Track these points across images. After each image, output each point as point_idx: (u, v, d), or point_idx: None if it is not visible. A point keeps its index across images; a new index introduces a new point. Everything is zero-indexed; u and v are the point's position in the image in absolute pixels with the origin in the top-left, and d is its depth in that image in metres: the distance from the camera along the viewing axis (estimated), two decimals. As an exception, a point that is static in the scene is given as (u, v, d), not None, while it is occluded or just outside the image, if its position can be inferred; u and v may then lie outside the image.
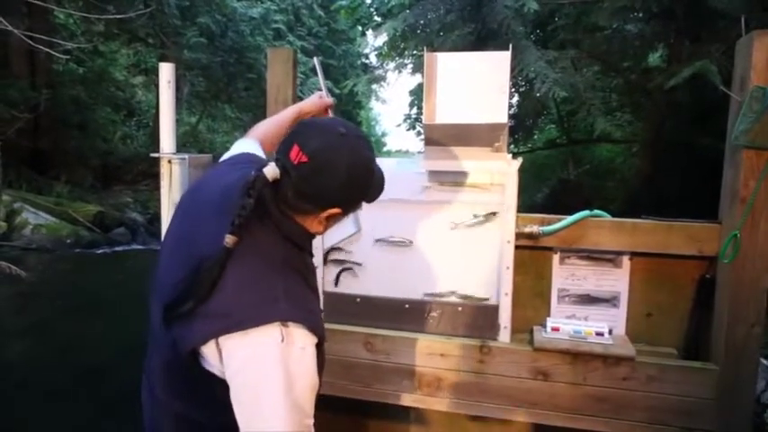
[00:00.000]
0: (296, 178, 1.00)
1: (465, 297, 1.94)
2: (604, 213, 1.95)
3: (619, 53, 6.33)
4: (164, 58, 13.95)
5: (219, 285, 0.95)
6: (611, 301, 1.99)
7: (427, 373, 1.94)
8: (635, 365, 1.79)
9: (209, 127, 17.64)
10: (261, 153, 1.34)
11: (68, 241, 9.06)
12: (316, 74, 1.72)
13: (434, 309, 1.98)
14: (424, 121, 1.83)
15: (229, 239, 0.96)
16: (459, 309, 1.94)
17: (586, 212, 1.92)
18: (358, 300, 2.05)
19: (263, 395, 0.92)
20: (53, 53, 9.21)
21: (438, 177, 1.92)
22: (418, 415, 2.06)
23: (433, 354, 1.93)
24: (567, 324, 1.90)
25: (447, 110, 1.82)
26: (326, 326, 1.97)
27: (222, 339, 0.94)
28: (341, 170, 1.00)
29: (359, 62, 21.92)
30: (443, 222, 1.94)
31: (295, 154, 0.99)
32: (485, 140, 1.83)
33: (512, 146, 10.63)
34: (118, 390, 3.68)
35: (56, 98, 12.37)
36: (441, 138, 1.86)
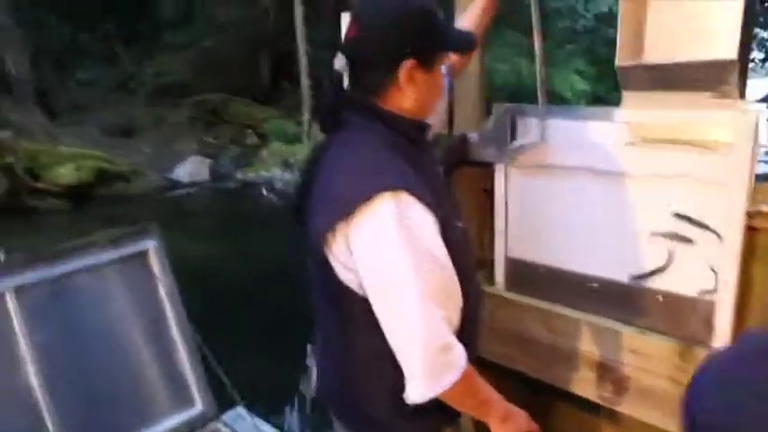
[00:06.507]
0: (354, 51, 1.01)
1: (671, 285, 1.52)
2: None
3: None
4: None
5: (332, 178, 1.00)
6: None
7: (614, 369, 1.63)
8: None
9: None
10: None
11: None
12: None
13: (627, 294, 1.61)
14: (617, 62, 1.42)
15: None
16: (660, 298, 1.54)
17: None
18: (541, 270, 1.81)
19: (390, 274, 0.93)
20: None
21: (643, 131, 1.49)
22: (608, 410, 1.77)
23: (623, 348, 1.60)
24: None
25: (650, 44, 1.37)
26: (504, 294, 1.84)
27: (342, 227, 0.95)
28: (384, 16, 1.00)
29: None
30: (652, 190, 1.52)
31: (346, 33, 1.02)
32: (703, 84, 1.32)
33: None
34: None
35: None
36: (642, 81, 1.42)
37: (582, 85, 16.70)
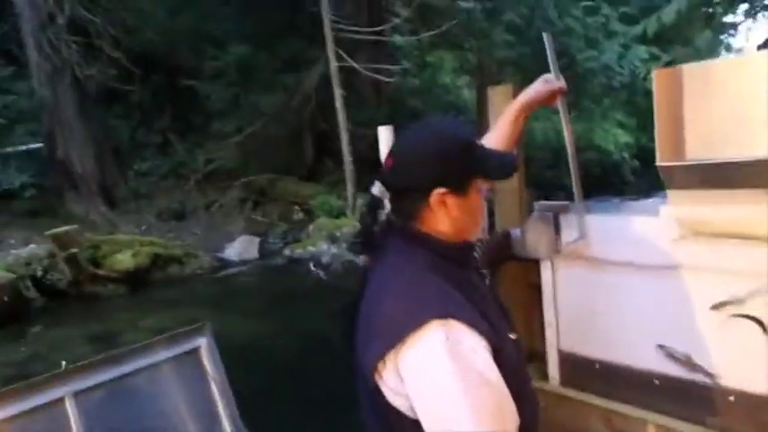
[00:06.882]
0: (388, 181, 1.06)
1: (740, 382, 1.44)
2: None
3: None
4: (482, 58, 14.64)
5: (378, 306, 1.00)
6: None
7: (688, 473, 1.52)
8: None
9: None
10: None
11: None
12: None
13: (694, 391, 1.53)
14: (658, 161, 1.41)
15: (362, 258, 1.09)
16: (731, 398, 1.45)
17: None
18: (597, 365, 1.74)
19: (442, 402, 0.91)
20: (383, 78, 10.66)
21: (695, 226, 1.46)
22: None
23: (695, 450, 1.50)
24: None
25: (692, 143, 1.37)
26: (559, 391, 1.77)
27: (391, 356, 0.95)
28: (414, 153, 1.06)
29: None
30: (706, 283, 1.48)
31: (384, 162, 1.09)
32: (756, 181, 1.30)
33: None
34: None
35: (395, 112, 14.27)
36: (688, 180, 1.41)
37: (624, 137, 16.54)
